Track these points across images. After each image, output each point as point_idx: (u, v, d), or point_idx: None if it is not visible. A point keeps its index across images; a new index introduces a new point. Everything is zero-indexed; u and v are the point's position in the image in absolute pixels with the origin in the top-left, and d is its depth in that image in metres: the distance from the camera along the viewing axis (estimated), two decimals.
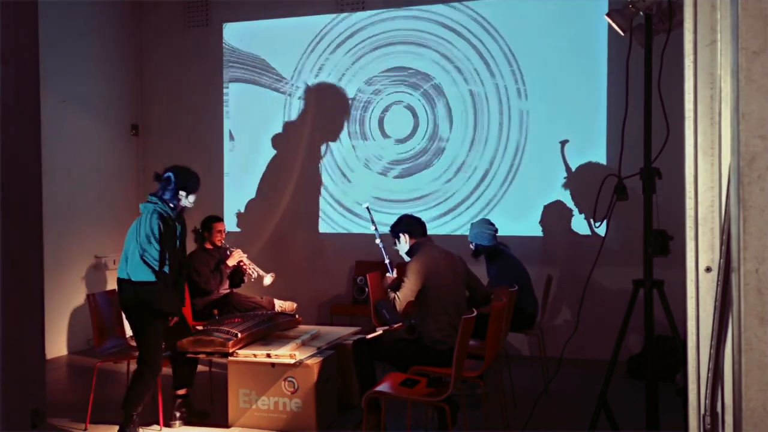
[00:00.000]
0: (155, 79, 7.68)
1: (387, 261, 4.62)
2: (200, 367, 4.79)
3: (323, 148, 7.11)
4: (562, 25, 6.37)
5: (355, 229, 6.91)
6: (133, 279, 4.13)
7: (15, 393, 1.47)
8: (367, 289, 6.08)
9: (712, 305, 1.84)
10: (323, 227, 7.10)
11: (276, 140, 7.29)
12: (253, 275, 5.65)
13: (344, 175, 7.04)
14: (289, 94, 7.22)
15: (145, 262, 4.09)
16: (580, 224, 6.32)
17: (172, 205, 4.34)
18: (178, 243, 4.34)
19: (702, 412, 1.86)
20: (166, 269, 4.14)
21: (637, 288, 3.24)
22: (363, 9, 6.94)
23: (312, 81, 7.13)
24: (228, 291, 5.61)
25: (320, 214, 7.12)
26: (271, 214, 7.26)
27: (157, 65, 7.67)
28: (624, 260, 5.74)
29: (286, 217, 7.22)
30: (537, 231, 6.44)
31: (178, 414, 4.37)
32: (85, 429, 4.38)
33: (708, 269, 1.85)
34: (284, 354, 4.29)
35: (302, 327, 5.12)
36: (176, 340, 4.33)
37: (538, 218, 6.43)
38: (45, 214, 1.61)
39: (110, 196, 7.33)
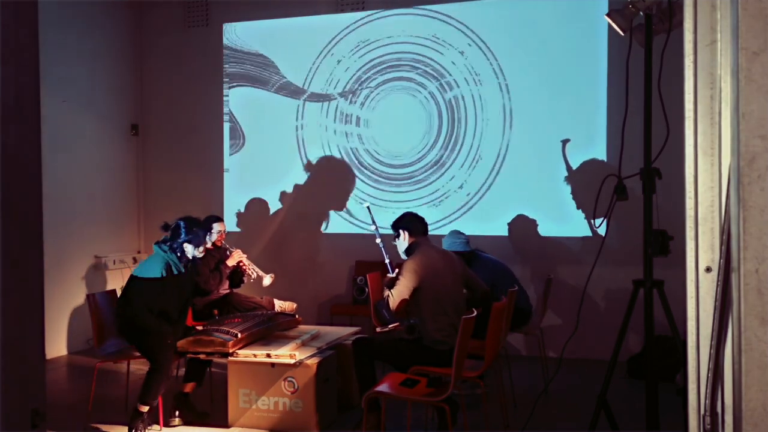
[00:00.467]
0: (155, 79, 7.68)
1: (387, 261, 4.62)
2: None
3: (323, 147, 7.11)
4: (562, 25, 6.37)
5: (355, 229, 6.91)
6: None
7: (15, 393, 1.47)
8: (367, 289, 6.08)
9: (712, 305, 1.84)
10: (323, 227, 7.10)
11: (276, 140, 7.29)
12: (253, 275, 5.65)
13: (344, 175, 7.04)
14: (290, 94, 7.22)
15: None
16: (580, 224, 6.32)
17: (179, 254, 4.44)
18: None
19: (702, 412, 1.86)
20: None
21: (637, 288, 3.24)
22: (363, 9, 6.94)
23: (312, 81, 7.13)
24: (228, 291, 5.61)
25: (320, 214, 7.12)
26: (271, 214, 7.27)
27: (157, 65, 7.67)
28: (624, 260, 5.74)
29: (286, 217, 7.23)
30: (539, 230, 6.44)
31: (177, 413, 4.38)
32: (85, 429, 4.38)
33: (708, 269, 1.85)
34: (284, 354, 4.29)
35: (302, 327, 5.12)
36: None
37: (539, 217, 6.43)
38: (45, 214, 1.61)
39: (110, 196, 7.33)
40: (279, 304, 5.57)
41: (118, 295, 4.64)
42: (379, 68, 6.92)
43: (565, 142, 6.32)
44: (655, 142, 3.25)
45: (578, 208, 6.32)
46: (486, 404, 4.29)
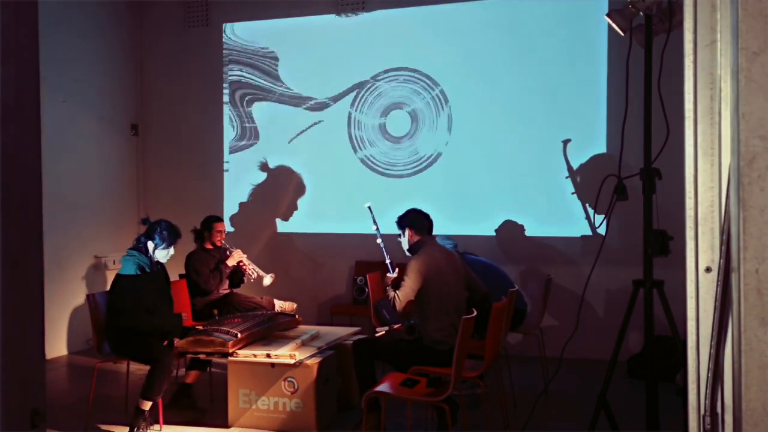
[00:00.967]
0: (155, 79, 7.68)
1: (388, 261, 4.62)
2: None
3: (324, 148, 7.11)
4: (562, 25, 6.37)
5: (355, 229, 6.91)
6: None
7: (15, 393, 1.47)
8: (367, 289, 6.08)
9: (712, 305, 1.84)
10: (323, 227, 7.10)
11: (276, 140, 7.29)
12: (253, 275, 5.65)
13: (344, 175, 7.04)
14: (291, 93, 7.23)
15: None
16: (580, 225, 6.32)
17: (146, 253, 4.48)
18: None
19: (702, 412, 1.86)
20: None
21: (637, 288, 3.24)
22: (363, 9, 6.94)
23: (312, 81, 7.13)
24: (228, 291, 5.61)
25: (320, 213, 7.12)
26: (271, 214, 7.27)
27: (157, 65, 7.67)
28: (624, 260, 5.74)
29: (286, 217, 7.23)
30: (537, 231, 6.44)
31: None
32: (85, 429, 4.38)
33: (708, 269, 1.85)
34: (284, 354, 4.29)
35: (302, 327, 5.12)
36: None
37: (538, 218, 6.43)
38: (45, 214, 1.61)
39: (110, 196, 7.33)
40: (279, 304, 5.58)
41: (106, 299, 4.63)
42: (378, 68, 6.91)
43: (566, 142, 6.33)
44: (655, 142, 3.25)
45: (578, 208, 6.32)
46: (486, 404, 4.29)
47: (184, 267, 5.60)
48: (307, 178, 7.17)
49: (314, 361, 4.31)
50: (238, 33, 7.39)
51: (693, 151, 1.86)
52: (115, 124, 7.44)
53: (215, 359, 4.46)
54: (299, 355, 4.30)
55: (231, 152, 7.44)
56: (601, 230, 5.89)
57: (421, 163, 6.82)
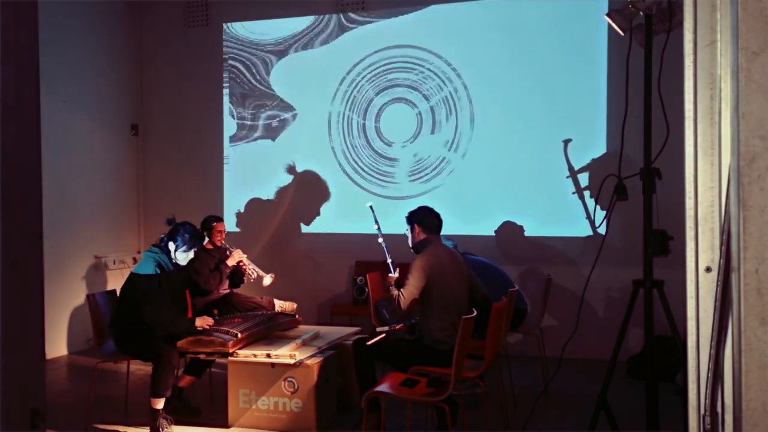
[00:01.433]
0: (155, 79, 7.68)
1: (389, 261, 4.61)
2: None
3: (324, 147, 7.11)
4: (562, 25, 6.37)
5: (355, 229, 6.91)
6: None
7: (15, 393, 1.46)
8: (367, 289, 6.08)
9: (712, 305, 1.84)
10: (323, 227, 7.10)
11: (276, 140, 7.29)
12: (253, 275, 5.65)
13: (344, 175, 7.04)
14: (291, 94, 7.23)
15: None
16: (580, 225, 6.32)
17: (167, 253, 4.50)
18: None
19: (702, 412, 1.86)
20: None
21: (637, 288, 3.24)
22: (363, 9, 6.94)
23: (312, 81, 7.13)
24: (228, 291, 5.61)
25: (320, 213, 7.12)
26: (271, 214, 7.27)
27: (157, 65, 7.67)
28: (624, 260, 5.74)
29: (286, 217, 7.23)
30: (537, 231, 6.44)
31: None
32: (85, 429, 4.38)
33: (708, 269, 1.85)
34: (284, 354, 4.29)
35: (302, 327, 5.12)
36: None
37: (538, 218, 6.43)
38: (45, 214, 1.61)
39: (110, 196, 7.34)
40: (279, 304, 5.57)
41: (118, 295, 4.65)
42: (377, 68, 6.91)
43: (566, 142, 6.32)
44: (655, 142, 3.25)
45: (578, 208, 6.31)
46: (486, 404, 4.29)
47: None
48: (307, 177, 7.17)
49: (314, 361, 4.31)
50: (239, 32, 7.39)
51: (693, 151, 1.86)
52: (115, 124, 7.44)
53: (215, 359, 4.46)
54: (299, 355, 4.30)
55: (231, 146, 7.44)
56: (601, 230, 5.89)
57: (422, 163, 6.82)
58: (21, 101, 1.48)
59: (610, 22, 3.43)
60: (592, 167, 6.26)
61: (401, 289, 4.15)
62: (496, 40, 6.57)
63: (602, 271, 4.90)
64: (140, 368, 5.69)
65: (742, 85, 1.56)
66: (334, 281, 7.04)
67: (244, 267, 5.61)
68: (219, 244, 5.66)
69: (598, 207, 5.68)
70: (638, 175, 3.26)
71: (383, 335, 4.33)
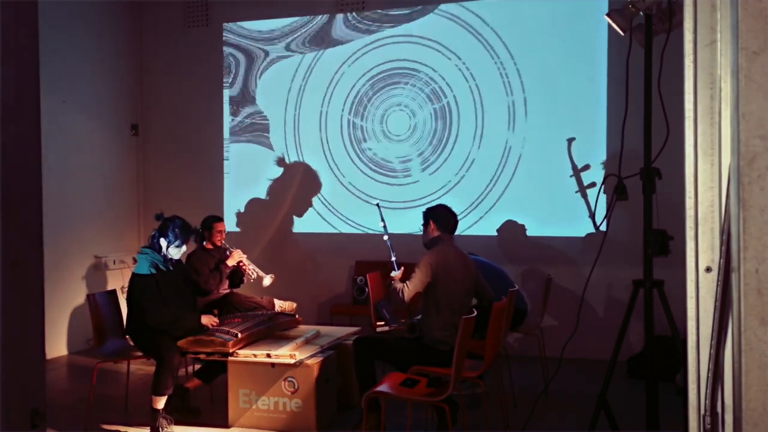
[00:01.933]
0: (155, 79, 7.68)
1: (393, 259, 4.61)
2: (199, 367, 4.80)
3: (324, 147, 7.11)
4: (562, 25, 6.37)
5: (355, 229, 6.91)
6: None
7: (15, 393, 1.47)
8: (367, 289, 6.08)
9: (712, 305, 1.84)
10: (323, 227, 7.10)
11: (277, 140, 7.29)
12: (253, 275, 5.65)
13: (345, 175, 7.04)
14: (292, 94, 7.23)
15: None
16: (580, 224, 6.32)
17: (159, 251, 4.50)
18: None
19: (702, 412, 1.86)
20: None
21: (637, 288, 3.24)
22: (363, 9, 6.94)
23: (312, 81, 7.13)
24: (228, 291, 5.61)
25: (321, 213, 7.12)
26: (272, 214, 7.27)
27: (157, 65, 7.67)
28: (624, 260, 5.74)
29: (286, 217, 7.23)
30: (538, 230, 6.44)
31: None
32: (85, 429, 4.38)
33: (708, 269, 1.85)
34: (284, 354, 4.29)
35: (302, 327, 5.12)
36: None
37: (539, 217, 6.43)
38: (45, 214, 1.61)
39: (110, 196, 7.33)
40: (279, 304, 5.57)
41: (119, 296, 4.67)
42: (377, 68, 6.91)
43: (570, 140, 6.31)
44: (655, 142, 3.25)
45: (578, 207, 6.31)
46: (486, 404, 4.29)
47: None
48: (308, 177, 7.17)
49: (314, 361, 4.31)
50: (238, 29, 7.39)
51: (693, 151, 1.86)
52: (115, 124, 7.44)
53: (215, 359, 4.45)
54: (299, 355, 4.30)
55: (231, 152, 7.43)
56: (601, 230, 5.89)
57: (422, 163, 6.82)
58: (21, 101, 1.48)
59: (610, 22, 3.43)
60: (591, 167, 6.25)
61: (406, 282, 4.16)
62: (495, 40, 6.57)
63: (602, 271, 4.90)
64: (140, 368, 5.70)
65: (742, 85, 1.56)
66: (334, 281, 7.04)
67: (244, 267, 5.61)
68: (219, 244, 5.65)
69: (597, 207, 5.68)
70: (638, 175, 3.25)
71: (390, 328, 4.34)
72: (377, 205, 4.91)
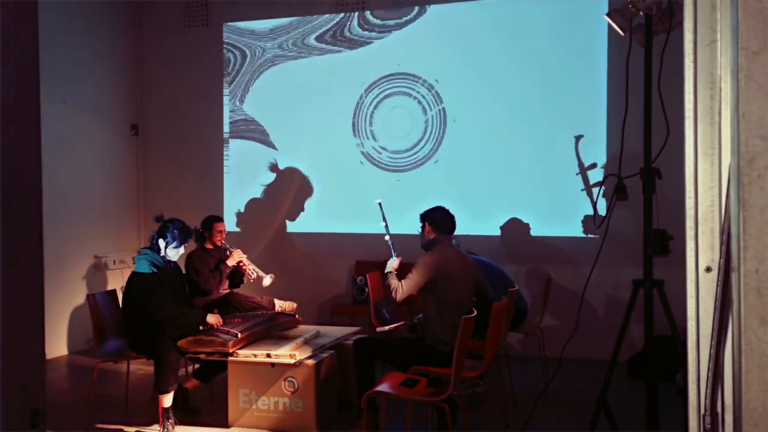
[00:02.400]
0: (155, 79, 7.68)
1: (393, 258, 4.59)
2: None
3: (324, 147, 7.11)
4: (562, 25, 6.37)
5: (355, 229, 6.91)
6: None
7: (15, 393, 1.46)
8: (367, 289, 6.07)
9: (712, 305, 1.84)
10: (323, 227, 7.10)
11: (277, 140, 7.29)
12: (253, 276, 5.65)
13: (345, 175, 7.04)
14: (290, 93, 7.23)
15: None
16: (580, 224, 6.32)
17: (158, 252, 4.53)
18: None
19: (702, 412, 1.86)
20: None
21: (637, 288, 3.24)
22: (363, 9, 6.94)
23: (311, 80, 7.13)
24: (228, 291, 5.61)
25: (321, 214, 7.12)
26: (272, 214, 7.26)
27: (157, 65, 7.67)
28: (624, 260, 5.73)
29: (286, 217, 7.23)
30: (538, 230, 6.44)
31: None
32: (86, 429, 4.38)
33: (708, 269, 1.85)
34: (284, 354, 4.29)
35: (302, 327, 5.12)
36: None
37: (539, 217, 6.43)
38: (45, 214, 1.61)
39: (110, 196, 7.33)
40: (279, 304, 5.57)
41: (119, 296, 4.67)
42: (378, 68, 6.92)
43: (578, 138, 6.30)
44: (655, 142, 3.25)
45: (579, 207, 6.31)
46: (486, 404, 4.29)
47: (184, 267, 5.60)
48: (308, 177, 7.17)
49: (314, 361, 4.31)
50: (239, 27, 7.39)
51: (693, 151, 1.86)
52: (115, 124, 7.44)
53: (215, 359, 4.45)
54: (299, 355, 4.30)
55: (231, 152, 7.43)
56: (601, 230, 5.88)
57: (423, 163, 6.82)
58: (21, 101, 1.48)
59: (610, 22, 3.43)
60: (591, 167, 6.25)
61: (402, 281, 4.15)
62: (496, 40, 6.57)
63: (602, 271, 4.90)
64: (140, 368, 5.70)
65: (742, 84, 1.56)
66: (334, 281, 7.04)
67: (243, 267, 5.61)
68: (219, 244, 5.65)
69: (597, 207, 5.69)
70: (638, 175, 3.25)
71: (393, 326, 4.33)
72: (379, 204, 4.87)
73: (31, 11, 1.52)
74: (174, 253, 4.50)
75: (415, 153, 6.84)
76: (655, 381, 3.28)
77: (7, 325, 1.44)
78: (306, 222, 7.18)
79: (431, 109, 6.78)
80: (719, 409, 1.84)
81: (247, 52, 7.34)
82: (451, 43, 6.69)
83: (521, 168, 6.48)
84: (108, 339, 4.61)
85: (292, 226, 7.23)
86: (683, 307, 1.93)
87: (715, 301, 1.82)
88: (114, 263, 7.17)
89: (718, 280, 1.81)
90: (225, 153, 7.47)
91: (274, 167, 7.25)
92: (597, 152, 6.27)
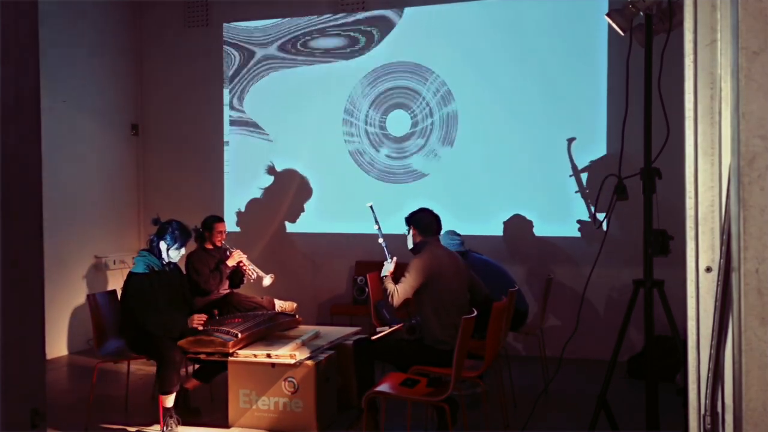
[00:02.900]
0: (155, 79, 7.68)
1: (388, 261, 4.60)
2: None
3: (324, 147, 7.11)
4: (562, 25, 6.37)
5: (355, 229, 6.91)
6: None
7: (15, 393, 1.46)
8: (367, 289, 6.08)
9: (712, 305, 1.84)
10: (323, 227, 7.10)
11: (277, 140, 7.29)
12: (253, 276, 5.65)
13: (345, 175, 7.04)
14: (290, 94, 7.23)
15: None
16: (581, 224, 6.32)
17: (157, 254, 4.55)
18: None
19: (702, 412, 1.86)
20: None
21: (637, 288, 3.24)
22: (363, 9, 6.94)
23: (311, 80, 7.13)
24: (228, 291, 5.61)
25: (321, 214, 7.12)
26: (272, 214, 7.26)
27: (157, 65, 7.67)
28: (624, 260, 5.74)
29: (286, 217, 7.23)
30: (539, 230, 6.44)
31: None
32: (86, 429, 4.38)
33: (708, 269, 1.85)
34: (284, 354, 4.29)
35: (302, 327, 5.12)
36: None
37: (540, 217, 6.43)
38: (45, 214, 1.61)
39: (110, 196, 7.33)
40: (279, 304, 5.57)
41: (119, 296, 4.67)
42: (379, 69, 6.92)
43: (570, 140, 6.31)
44: (655, 142, 3.25)
45: (579, 207, 6.31)
46: (486, 404, 4.29)
47: (184, 267, 5.60)
48: (308, 177, 7.17)
49: (314, 361, 4.31)
50: (240, 30, 7.39)
51: (693, 151, 1.86)
52: (115, 124, 7.44)
53: (215, 359, 4.45)
54: (299, 355, 4.30)
55: (231, 152, 7.43)
56: (601, 230, 5.89)
57: (423, 163, 6.82)
58: (21, 101, 1.48)
59: (610, 22, 3.43)
60: (592, 167, 6.26)
61: (397, 285, 4.14)
62: (496, 40, 6.57)
63: (603, 271, 4.89)
64: (140, 368, 5.70)
65: (742, 84, 1.56)
66: (334, 281, 7.04)
67: (243, 267, 5.61)
68: (219, 244, 5.65)
69: (598, 207, 5.68)
70: (638, 175, 3.25)
71: (387, 331, 4.33)
72: (370, 206, 4.84)
73: (31, 11, 1.52)
74: (176, 254, 4.51)
75: (416, 153, 6.83)
76: (655, 381, 3.28)
77: (7, 325, 1.44)
78: (306, 222, 7.18)
79: (431, 109, 6.78)
80: (719, 409, 1.84)
81: (247, 52, 7.34)
82: (452, 43, 6.69)
83: (521, 168, 6.48)
84: (108, 339, 4.61)
85: (291, 227, 7.23)
86: (683, 307, 1.93)
87: (715, 301, 1.82)
88: (114, 263, 7.18)
89: (718, 280, 1.81)
90: (225, 153, 7.47)
91: (271, 169, 7.25)
92: (597, 152, 6.27)
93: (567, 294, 6.15)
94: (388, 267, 4.37)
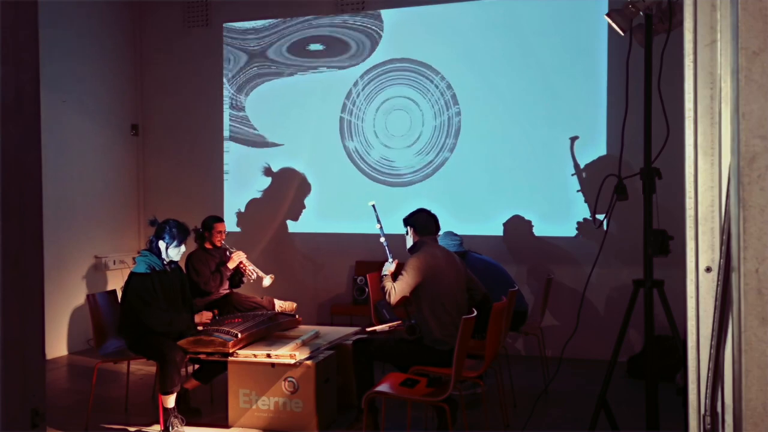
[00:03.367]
0: (155, 79, 7.68)
1: (390, 260, 4.60)
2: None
3: (324, 147, 7.11)
4: (562, 25, 6.37)
5: (355, 229, 6.91)
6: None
7: (15, 393, 1.47)
8: (367, 289, 6.08)
9: (712, 305, 1.84)
10: (323, 227, 7.10)
11: (277, 140, 7.29)
12: (253, 276, 5.65)
13: (345, 175, 7.04)
14: (289, 94, 7.23)
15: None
16: (581, 224, 6.32)
17: (157, 254, 4.54)
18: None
19: (702, 411, 1.86)
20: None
21: (637, 288, 3.24)
22: (363, 9, 6.94)
23: (311, 80, 7.13)
24: (228, 291, 5.61)
25: (321, 214, 7.12)
26: (272, 214, 7.27)
27: (157, 65, 7.67)
28: (624, 260, 5.73)
29: (286, 217, 7.23)
30: (539, 230, 6.44)
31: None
32: (86, 429, 4.38)
33: (708, 269, 1.85)
34: (284, 354, 4.29)
35: (302, 327, 5.12)
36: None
37: (540, 217, 6.43)
38: (45, 214, 1.61)
39: (110, 196, 7.33)
40: (279, 304, 5.57)
41: (119, 296, 4.68)
42: (379, 69, 6.92)
43: (573, 139, 6.31)
44: (655, 142, 3.25)
45: (580, 207, 6.31)
46: (486, 404, 4.29)
47: (184, 267, 5.60)
48: (308, 177, 7.17)
49: (314, 361, 4.31)
50: (240, 31, 7.39)
51: (693, 151, 1.86)
52: (115, 124, 7.44)
53: (215, 359, 4.45)
54: (299, 355, 4.30)
55: (231, 152, 7.43)
56: (600, 230, 5.89)
57: (423, 163, 6.82)
58: (21, 101, 1.48)
59: (610, 22, 3.43)
60: (591, 167, 6.26)
61: (395, 283, 4.15)
62: (496, 41, 6.57)
63: (603, 271, 4.91)
64: (140, 368, 5.70)
65: (742, 84, 1.56)
66: (334, 281, 7.04)
67: (243, 268, 5.61)
68: (219, 244, 5.66)
69: (598, 207, 5.68)
70: (638, 175, 3.26)
71: (384, 326, 4.32)
72: (373, 206, 4.84)
73: (31, 11, 1.52)
74: (175, 252, 4.50)
75: (415, 153, 6.83)
76: (655, 381, 3.28)
77: (7, 325, 1.44)
78: (306, 222, 7.18)
79: (431, 109, 6.78)
80: (719, 409, 1.84)
81: (248, 52, 7.34)
82: (452, 44, 6.69)
83: (521, 168, 6.48)
84: (108, 339, 4.61)
85: (292, 227, 7.23)
86: (683, 307, 1.93)
87: (715, 301, 1.82)
88: (114, 263, 7.18)
89: (718, 280, 1.81)
90: (225, 153, 7.47)
91: (268, 171, 7.25)
92: (597, 152, 6.27)
93: (567, 294, 6.15)
94: (389, 266, 4.37)
